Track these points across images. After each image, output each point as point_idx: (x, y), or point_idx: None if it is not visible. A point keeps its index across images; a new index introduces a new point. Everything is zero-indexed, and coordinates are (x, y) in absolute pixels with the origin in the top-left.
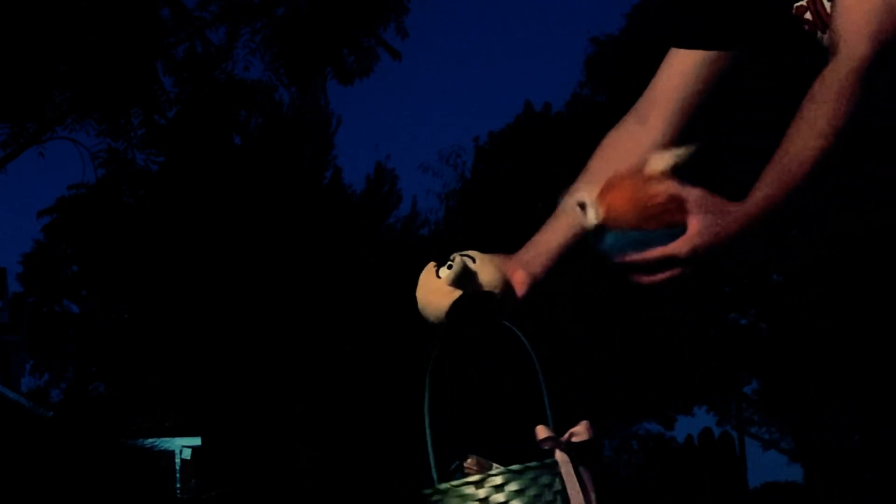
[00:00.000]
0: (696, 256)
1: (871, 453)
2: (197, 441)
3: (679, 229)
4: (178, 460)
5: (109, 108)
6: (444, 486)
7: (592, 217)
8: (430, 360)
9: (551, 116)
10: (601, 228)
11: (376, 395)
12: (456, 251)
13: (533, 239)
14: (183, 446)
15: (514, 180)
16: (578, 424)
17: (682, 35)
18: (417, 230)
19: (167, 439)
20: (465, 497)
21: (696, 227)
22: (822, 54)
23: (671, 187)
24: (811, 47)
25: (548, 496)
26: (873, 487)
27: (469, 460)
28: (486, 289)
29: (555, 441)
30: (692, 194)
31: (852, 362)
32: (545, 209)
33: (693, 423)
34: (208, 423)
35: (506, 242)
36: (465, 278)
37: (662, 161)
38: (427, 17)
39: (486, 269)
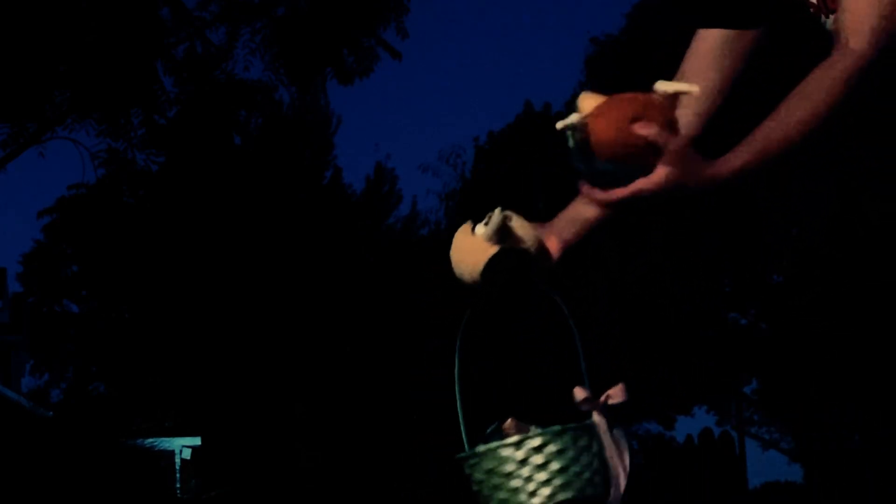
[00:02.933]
0: (656, 199)
1: (871, 453)
2: (197, 441)
3: (648, 170)
4: (178, 460)
5: (109, 108)
6: (481, 447)
7: (570, 139)
8: (462, 323)
9: (551, 116)
10: (578, 150)
11: (376, 394)
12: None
13: (567, 208)
14: (183, 446)
15: (514, 180)
16: (614, 387)
17: (704, 15)
18: (417, 230)
19: (167, 439)
20: (504, 459)
21: (663, 176)
22: (825, 38)
23: (655, 132)
24: (815, 30)
25: (585, 458)
26: (873, 487)
27: (508, 422)
28: (523, 247)
29: (592, 403)
30: (672, 143)
31: (852, 362)
32: (545, 209)
33: (693, 423)
34: (208, 423)
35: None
36: (503, 233)
37: (669, 86)
38: (427, 17)
39: (524, 227)
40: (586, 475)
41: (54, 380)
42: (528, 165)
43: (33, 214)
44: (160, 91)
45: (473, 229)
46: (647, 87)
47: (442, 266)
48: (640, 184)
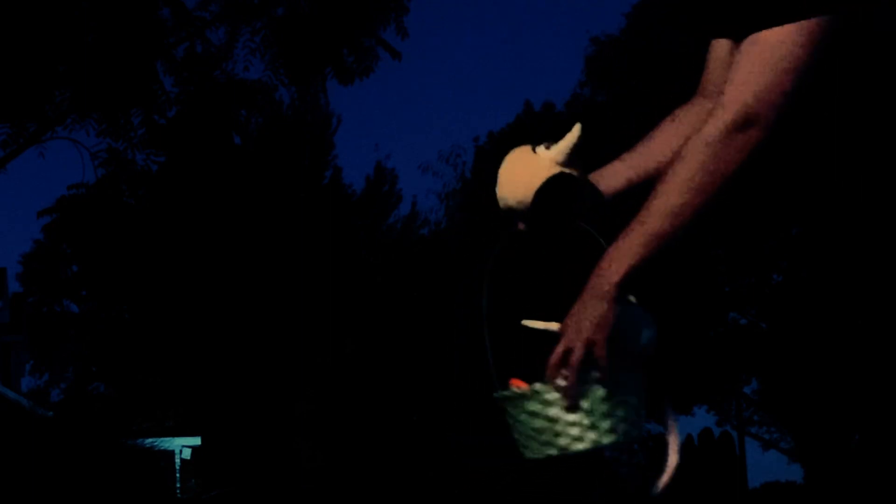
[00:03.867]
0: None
1: (871, 453)
2: (197, 441)
3: None
4: (178, 460)
5: (109, 108)
6: (537, 385)
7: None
8: (492, 254)
9: (551, 116)
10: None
11: (377, 394)
12: (456, 251)
13: (604, 168)
14: (183, 446)
15: None
16: None
17: (711, 25)
18: (417, 230)
19: (167, 439)
20: (550, 402)
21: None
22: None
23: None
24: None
25: (633, 399)
26: (873, 487)
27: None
28: (582, 174)
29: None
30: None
31: (852, 362)
32: None
33: (693, 423)
34: (208, 423)
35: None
36: (574, 154)
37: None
38: (427, 17)
39: (580, 163)
40: (632, 418)
41: (54, 380)
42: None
43: (33, 214)
44: (160, 91)
45: (535, 150)
46: (647, 88)
47: (442, 266)
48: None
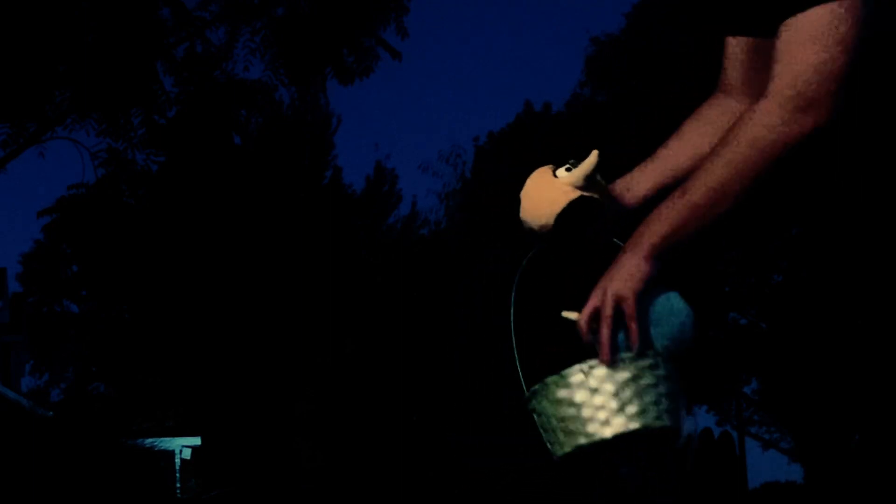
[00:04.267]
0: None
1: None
2: (197, 441)
3: None
4: (178, 460)
5: (109, 108)
6: (552, 377)
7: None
8: (519, 269)
9: (551, 116)
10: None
11: (377, 394)
12: (456, 251)
13: (628, 175)
14: (183, 446)
15: (514, 180)
16: None
17: (718, 23)
18: (417, 230)
19: (167, 439)
20: (575, 386)
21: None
22: None
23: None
24: None
25: (663, 387)
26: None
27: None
28: (601, 197)
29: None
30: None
31: (852, 362)
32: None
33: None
34: (208, 423)
35: (506, 242)
36: (592, 178)
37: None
38: (427, 17)
39: (602, 184)
40: (662, 405)
41: (54, 380)
42: (528, 165)
43: (33, 214)
44: (160, 91)
45: (555, 173)
46: (647, 88)
47: (442, 266)
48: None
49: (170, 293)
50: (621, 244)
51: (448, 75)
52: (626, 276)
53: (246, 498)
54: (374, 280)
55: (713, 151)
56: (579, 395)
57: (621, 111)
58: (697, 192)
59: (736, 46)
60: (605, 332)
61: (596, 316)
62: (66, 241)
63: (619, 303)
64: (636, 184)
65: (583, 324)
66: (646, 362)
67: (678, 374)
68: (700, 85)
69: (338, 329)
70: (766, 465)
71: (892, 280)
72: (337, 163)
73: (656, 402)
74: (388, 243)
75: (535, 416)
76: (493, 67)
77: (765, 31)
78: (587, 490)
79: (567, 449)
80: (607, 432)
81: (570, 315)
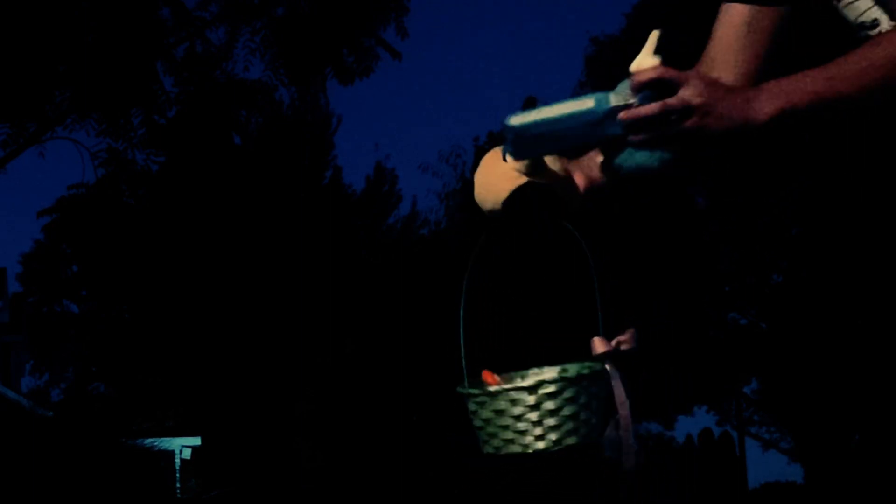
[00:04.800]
0: (696, 88)
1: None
2: (197, 441)
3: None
4: (178, 460)
5: (109, 108)
6: (494, 388)
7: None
8: (474, 253)
9: None
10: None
11: (377, 394)
12: (456, 251)
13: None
14: (183, 446)
15: None
16: (625, 333)
17: None
18: (417, 230)
19: (167, 439)
20: (516, 401)
21: (690, 89)
22: (839, 24)
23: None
24: (830, 15)
25: (595, 404)
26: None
27: (487, 375)
28: (551, 181)
29: (608, 354)
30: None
31: (852, 362)
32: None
33: (693, 423)
34: (208, 423)
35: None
36: (536, 165)
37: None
38: (427, 17)
39: (554, 161)
40: (593, 421)
41: (54, 380)
42: None
43: (33, 214)
44: (160, 91)
45: (505, 156)
46: None
47: (442, 266)
48: (671, 101)
49: (170, 293)
50: (573, 230)
51: (448, 75)
52: (730, 100)
53: (246, 498)
54: (374, 280)
55: (861, 49)
56: (518, 409)
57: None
58: (839, 74)
59: (730, 18)
60: (648, 110)
61: (655, 85)
62: (66, 241)
63: (687, 112)
64: (597, 163)
65: (638, 79)
66: (585, 383)
67: (610, 388)
68: None
69: (338, 329)
70: (766, 465)
71: (893, 280)
72: (337, 163)
73: (588, 420)
74: (388, 243)
75: (470, 413)
76: (493, 67)
77: None
78: (587, 490)
79: (499, 451)
80: (541, 446)
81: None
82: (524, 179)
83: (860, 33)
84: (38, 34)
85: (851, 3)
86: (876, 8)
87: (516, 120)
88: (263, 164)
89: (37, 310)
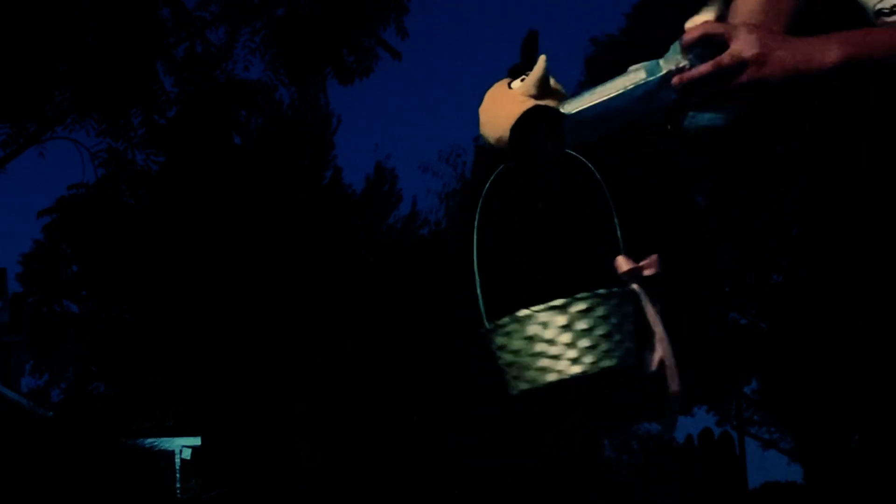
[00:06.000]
0: (740, 73)
1: (871, 453)
2: (197, 441)
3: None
4: (178, 460)
5: (109, 108)
6: (523, 312)
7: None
8: (484, 189)
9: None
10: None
11: (377, 394)
12: (456, 251)
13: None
14: (183, 446)
15: (513, 180)
16: (648, 258)
17: None
18: (417, 230)
19: (167, 439)
20: (546, 323)
21: (744, 42)
22: (856, 10)
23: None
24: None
25: (628, 326)
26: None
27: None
28: (558, 102)
29: (634, 273)
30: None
31: (852, 362)
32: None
33: (693, 423)
34: (208, 423)
35: (506, 242)
36: (545, 85)
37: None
38: (427, 17)
39: (559, 88)
40: (628, 344)
41: (54, 380)
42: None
43: (33, 214)
44: (160, 91)
45: (510, 85)
46: None
47: (442, 266)
48: (722, 57)
49: (170, 293)
50: (580, 157)
51: (448, 75)
52: (788, 47)
53: (246, 498)
54: (374, 280)
55: None
56: (549, 333)
57: None
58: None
59: (744, 6)
60: (700, 70)
61: (705, 43)
62: (66, 241)
63: (739, 62)
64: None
65: (686, 38)
66: (615, 300)
67: (642, 310)
68: None
69: (338, 329)
70: (766, 465)
71: (893, 280)
72: (337, 163)
73: (622, 341)
74: (388, 243)
75: (497, 351)
76: (493, 68)
77: None
78: (587, 490)
79: (532, 385)
80: (577, 370)
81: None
82: (532, 102)
83: (878, 20)
84: (38, 34)
85: None
86: None
87: (570, 106)
88: (263, 164)
89: (37, 310)
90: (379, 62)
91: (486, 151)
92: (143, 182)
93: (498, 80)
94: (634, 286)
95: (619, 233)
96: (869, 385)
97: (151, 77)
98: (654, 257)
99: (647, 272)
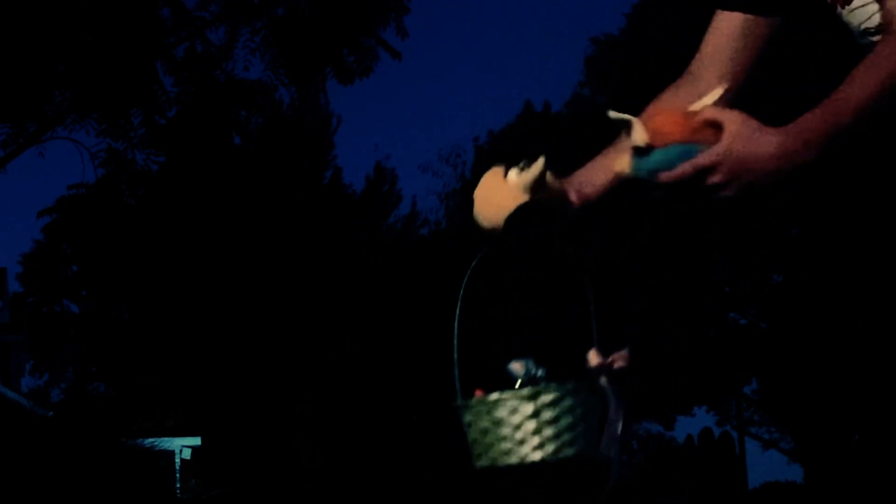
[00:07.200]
0: (726, 166)
1: (871, 453)
2: (197, 441)
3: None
4: (178, 460)
5: (109, 108)
6: (493, 396)
7: (640, 136)
8: (469, 269)
9: (551, 116)
10: (648, 147)
11: (377, 394)
12: (456, 251)
13: (587, 165)
14: (183, 446)
15: None
16: (619, 352)
17: None
18: (417, 230)
19: (167, 439)
20: (515, 409)
21: (729, 139)
22: (841, 29)
23: (711, 111)
24: (830, 21)
25: (591, 418)
26: (873, 487)
27: (516, 364)
28: (551, 198)
29: (603, 368)
30: (730, 114)
31: (852, 362)
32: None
33: (693, 423)
34: (208, 423)
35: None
36: (540, 183)
37: (702, 104)
38: (427, 17)
39: (552, 181)
40: (590, 434)
41: (54, 380)
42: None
43: (33, 214)
44: (160, 91)
45: (506, 174)
46: (648, 87)
47: (442, 266)
48: (701, 158)
49: (170, 293)
50: (571, 250)
51: (448, 75)
52: (765, 151)
53: (246, 498)
54: (374, 280)
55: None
56: (516, 418)
57: (621, 111)
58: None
59: (724, 25)
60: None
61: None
62: (66, 241)
63: (734, 178)
64: (596, 175)
65: (680, 171)
66: (583, 394)
67: (606, 403)
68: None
69: (338, 329)
70: (766, 465)
71: (893, 280)
72: (337, 163)
73: (585, 432)
74: (388, 243)
75: (465, 427)
76: (493, 68)
77: (768, 9)
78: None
79: (496, 464)
80: (538, 456)
81: (618, 115)
82: (526, 197)
83: (864, 39)
84: (38, 34)
85: (855, 9)
86: (880, 14)
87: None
88: (263, 164)
89: (37, 310)
90: (379, 62)
91: (487, 151)
92: (143, 182)
93: (494, 167)
94: (602, 380)
95: (594, 326)
96: (869, 385)
97: (151, 77)
98: (623, 352)
99: (616, 365)
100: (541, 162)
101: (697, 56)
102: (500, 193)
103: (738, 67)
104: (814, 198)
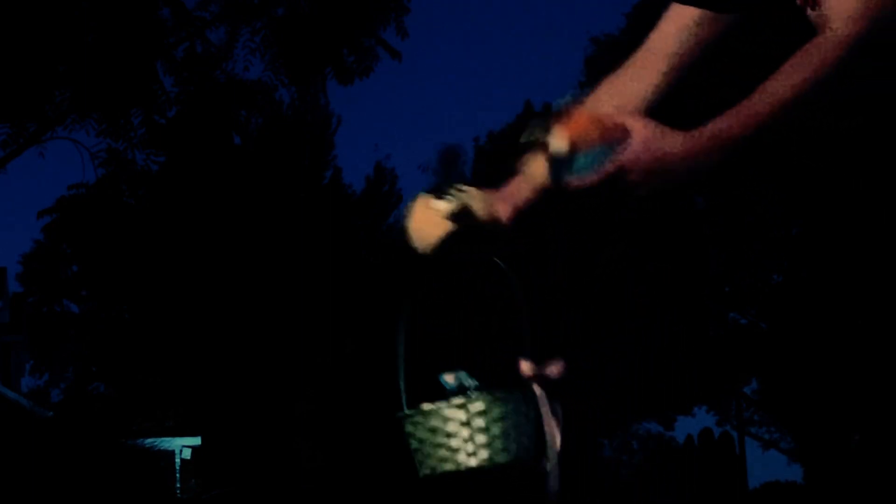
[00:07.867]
0: (641, 165)
1: (871, 453)
2: (197, 441)
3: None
4: (178, 460)
5: (109, 108)
6: (427, 406)
7: (561, 144)
8: (407, 291)
9: (551, 116)
10: (571, 154)
11: (377, 394)
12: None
13: (520, 174)
14: (183, 446)
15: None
16: (554, 362)
17: None
18: None
19: (167, 439)
20: (448, 419)
21: (639, 140)
22: (810, 31)
23: (619, 115)
24: (800, 23)
25: (524, 426)
26: (873, 487)
27: (448, 375)
28: (477, 222)
29: (535, 377)
30: (636, 119)
31: (852, 362)
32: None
33: (693, 423)
34: (208, 423)
35: (506, 242)
36: (460, 213)
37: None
38: (427, 16)
39: (479, 199)
40: (524, 441)
41: (54, 380)
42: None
43: (33, 214)
44: (160, 91)
45: (435, 201)
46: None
47: (441, 265)
48: (621, 156)
49: (170, 293)
50: (502, 265)
51: (448, 75)
52: (652, 146)
53: (246, 498)
54: (374, 280)
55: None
56: (451, 427)
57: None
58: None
59: (679, 16)
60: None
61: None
62: (66, 241)
63: (619, 171)
64: (517, 192)
65: (605, 170)
66: (513, 403)
67: (538, 411)
68: (701, 84)
69: (338, 329)
70: (766, 465)
71: (893, 280)
72: (337, 163)
73: (518, 439)
74: (388, 243)
75: (407, 437)
76: (493, 67)
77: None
78: (587, 490)
79: (434, 471)
80: (473, 463)
81: (531, 134)
82: (450, 225)
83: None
84: (38, 34)
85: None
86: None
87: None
88: (263, 164)
89: (37, 310)
90: (379, 62)
91: (487, 151)
92: (143, 182)
93: (420, 196)
94: (535, 388)
95: (527, 336)
96: (869, 385)
97: (151, 77)
98: (559, 362)
99: (550, 373)
100: (456, 196)
101: (644, 46)
102: (428, 221)
103: (680, 63)
104: (814, 197)
